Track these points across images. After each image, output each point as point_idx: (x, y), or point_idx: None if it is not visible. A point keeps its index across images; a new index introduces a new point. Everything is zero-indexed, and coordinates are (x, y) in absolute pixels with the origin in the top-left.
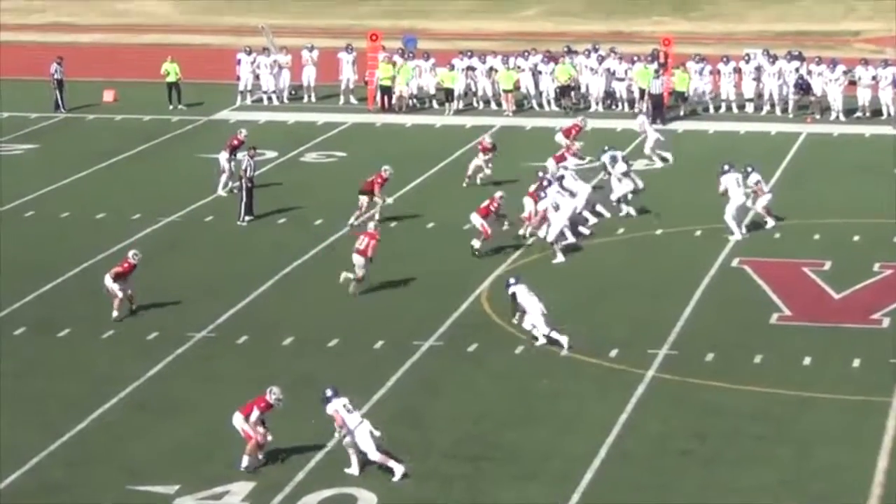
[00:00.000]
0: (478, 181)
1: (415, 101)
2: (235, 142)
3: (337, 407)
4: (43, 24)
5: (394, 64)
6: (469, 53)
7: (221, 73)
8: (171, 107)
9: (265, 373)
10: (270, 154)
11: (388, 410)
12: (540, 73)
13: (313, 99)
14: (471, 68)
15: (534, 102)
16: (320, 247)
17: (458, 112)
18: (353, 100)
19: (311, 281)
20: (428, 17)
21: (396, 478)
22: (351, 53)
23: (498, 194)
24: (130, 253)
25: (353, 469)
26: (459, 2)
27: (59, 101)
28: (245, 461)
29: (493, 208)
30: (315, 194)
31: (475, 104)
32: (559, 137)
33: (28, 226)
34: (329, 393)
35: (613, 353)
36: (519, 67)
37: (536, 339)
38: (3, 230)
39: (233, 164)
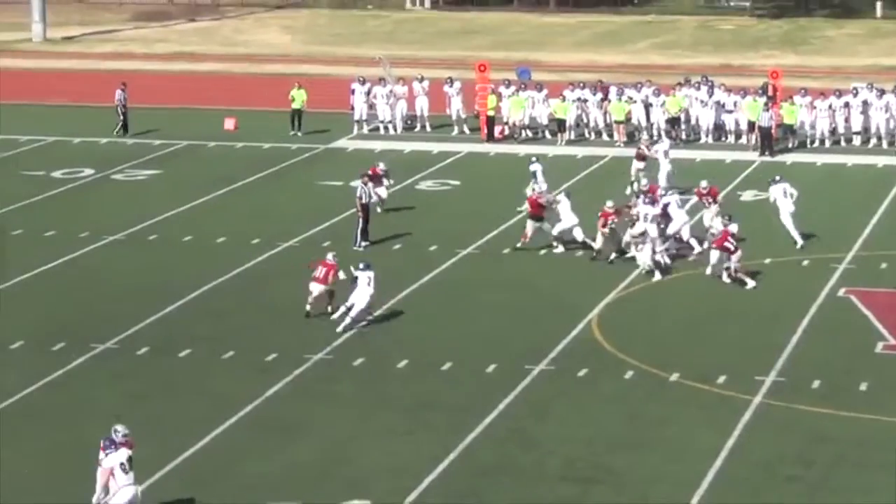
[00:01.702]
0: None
1: (528, 131)
2: (371, 172)
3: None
4: (166, 54)
5: (498, 95)
6: (581, 85)
7: (338, 102)
8: (292, 132)
9: (380, 395)
10: (386, 182)
11: (499, 433)
12: (651, 104)
13: (427, 128)
14: (582, 100)
15: (644, 134)
16: (434, 272)
17: (569, 142)
18: (466, 129)
19: (424, 306)
20: (541, 48)
21: None
22: (453, 86)
23: (609, 203)
24: (329, 255)
25: None
26: (572, 34)
27: (124, 126)
28: None
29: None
30: (429, 221)
31: (587, 135)
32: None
33: (151, 249)
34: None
35: (721, 379)
36: (631, 99)
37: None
38: (127, 253)
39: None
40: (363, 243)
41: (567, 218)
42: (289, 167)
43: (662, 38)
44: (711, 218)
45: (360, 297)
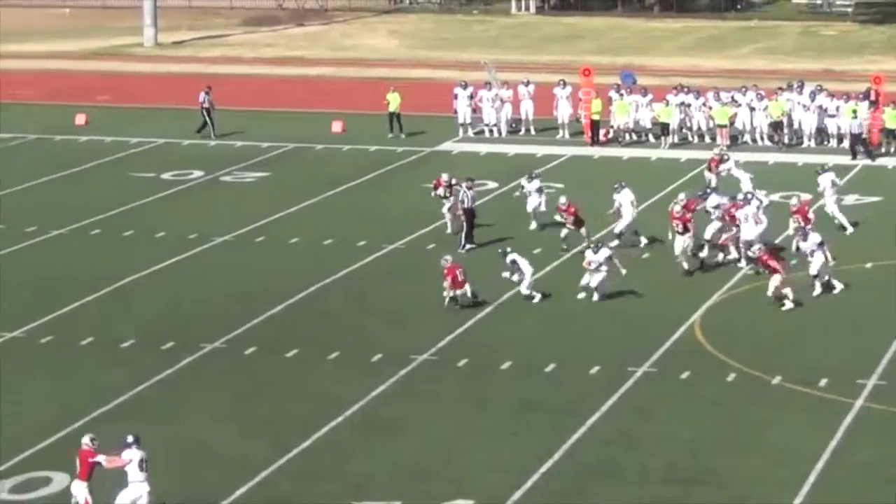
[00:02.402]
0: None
1: (632, 134)
2: (435, 184)
3: (133, 456)
4: (275, 58)
5: (606, 99)
6: (685, 89)
7: (444, 106)
8: (390, 135)
9: (484, 395)
10: (492, 185)
11: (602, 434)
12: (754, 108)
13: (532, 132)
14: (685, 104)
15: (747, 137)
16: (538, 275)
17: (673, 146)
18: (566, 134)
19: (528, 307)
20: (646, 53)
21: None
22: (565, 89)
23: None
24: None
25: None
26: (676, 39)
27: (211, 128)
28: None
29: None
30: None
31: (690, 138)
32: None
33: (259, 251)
34: (130, 440)
35: (823, 382)
36: (735, 102)
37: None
38: (235, 255)
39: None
40: (468, 246)
41: (627, 215)
42: (394, 170)
43: (765, 44)
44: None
45: (527, 268)
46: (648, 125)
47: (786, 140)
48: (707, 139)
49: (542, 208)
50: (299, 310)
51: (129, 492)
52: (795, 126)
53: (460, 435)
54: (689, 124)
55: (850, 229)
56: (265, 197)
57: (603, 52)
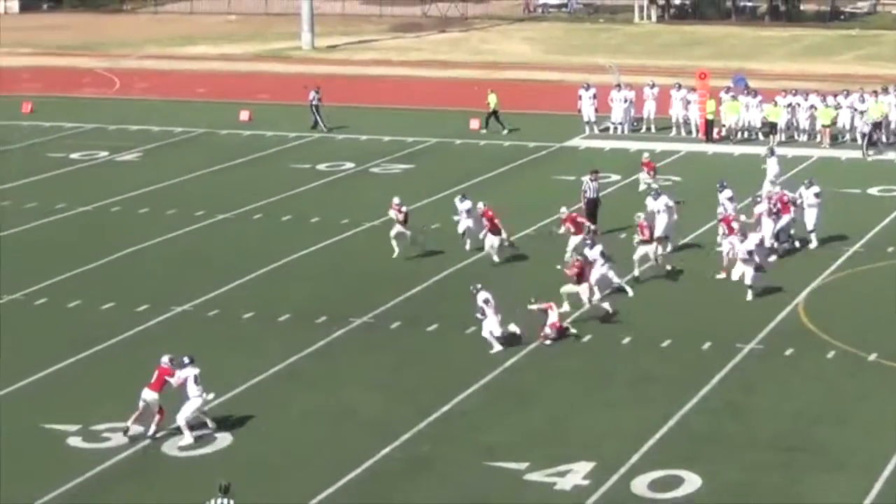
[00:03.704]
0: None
1: (743, 133)
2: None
3: (188, 374)
4: (420, 61)
5: (718, 100)
6: (794, 91)
7: (571, 105)
8: (483, 130)
9: (605, 369)
10: (615, 177)
11: (712, 405)
12: (856, 110)
13: (653, 129)
14: (792, 105)
15: (847, 137)
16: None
17: (780, 144)
18: (683, 132)
19: (650, 289)
20: (756, 59)
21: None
22: (679, 91)
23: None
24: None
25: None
26: (784, 46)
27: (320, 122)
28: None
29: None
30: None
31: (796, 137)
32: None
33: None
34: (187, 360)
35: None
36: (838, 104)
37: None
38: (382, 239)
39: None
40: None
41: (661, 225)
42: (527, 163)
43: (866, 51)
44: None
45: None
46: (758, 124)
47: (884, 139)
48: (810, 138)
49: (472, 226)
50: (438, 290)
51: (190, 404)
52: (893, 126)
53: (583, 404)
54: (795, 124)
55: (813, 244)
56: (408, 187)
57: (717, 58)
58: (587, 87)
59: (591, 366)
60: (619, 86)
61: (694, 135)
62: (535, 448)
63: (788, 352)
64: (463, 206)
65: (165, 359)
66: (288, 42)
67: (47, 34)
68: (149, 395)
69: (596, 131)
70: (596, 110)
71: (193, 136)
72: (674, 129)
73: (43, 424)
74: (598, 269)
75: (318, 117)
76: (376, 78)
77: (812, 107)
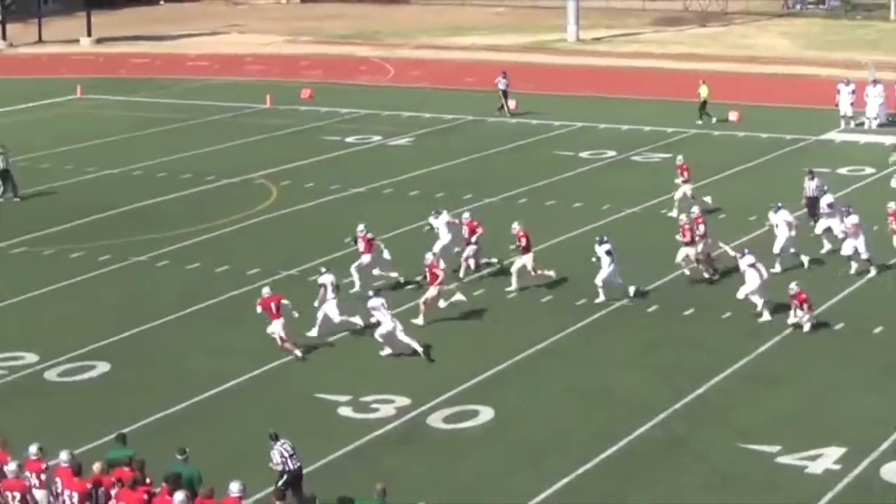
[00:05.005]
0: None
1: None
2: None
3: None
4: (680, 54)
5: None
6: None
7: (828, 99)
8: (698, 122)
9: (856, 355)
10: (869, 170)
11: None
12: None
13: None
14: None
15: None
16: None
17: None
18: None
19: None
20: None
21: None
22: None
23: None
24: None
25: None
26: None
27: (506, 107)
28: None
29: None
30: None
31: None
32: None
33: (661, 222)
34: (324, 270)
35: None
36: None
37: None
38: (642, 224)
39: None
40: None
41: (781, 240)
42: (784, 154)
43: None
44: None
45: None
46: None
47: None
48: None
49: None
50: (683, 278)
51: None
52: None
53: (835, 389)
54: None
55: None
56: (670, 175)
57: None
58: (847, 83)
59: (842, 352)
60: (874, 81)
61: None
62: (787, 431)
63: None
64: (439, 221)
65: (266, 289)
66: (554, 34)
67: (325, 23)
68: (276, 326)
69: (852, 125)
70: (852, 105)
71: (462, 123)
72: None
73: (316, 394)
74: (605, 269)
75: (504, 102)
76: (637, 70)
77: None
